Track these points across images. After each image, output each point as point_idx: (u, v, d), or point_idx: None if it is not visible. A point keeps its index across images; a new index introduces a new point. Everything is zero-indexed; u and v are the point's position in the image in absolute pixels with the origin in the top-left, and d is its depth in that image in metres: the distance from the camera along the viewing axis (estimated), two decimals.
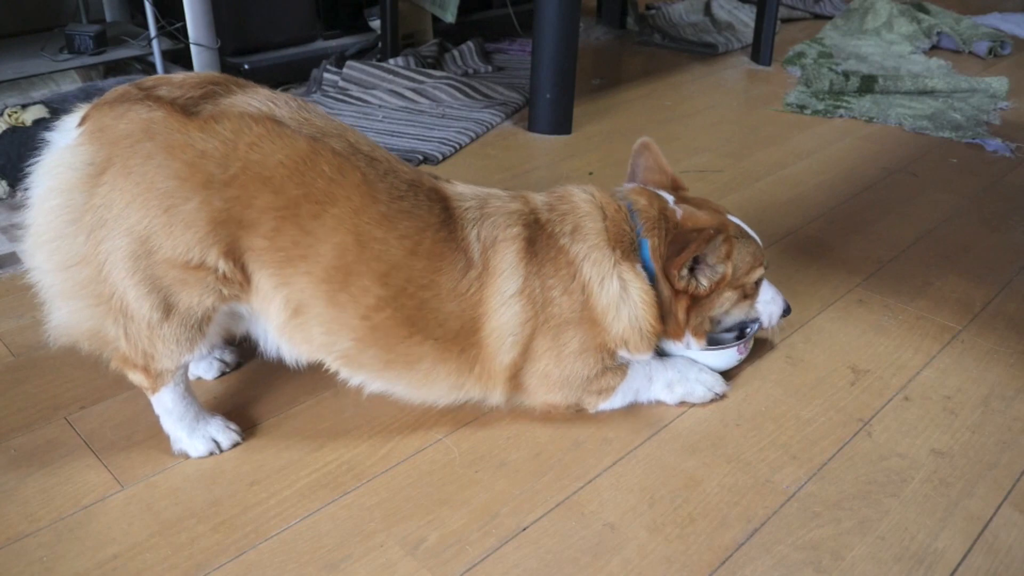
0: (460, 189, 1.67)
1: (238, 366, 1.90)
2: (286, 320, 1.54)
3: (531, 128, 3.31)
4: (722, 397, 1.80)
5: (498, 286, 1.58)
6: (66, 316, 1.50)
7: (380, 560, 1.40)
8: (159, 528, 1.46)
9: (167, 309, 1.48)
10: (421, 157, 3.00)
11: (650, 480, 1.57)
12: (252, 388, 1.81)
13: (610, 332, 1.64)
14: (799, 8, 5.37)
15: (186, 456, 1.61)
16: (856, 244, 2.46)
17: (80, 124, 1.46)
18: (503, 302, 1.58)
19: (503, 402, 1.70)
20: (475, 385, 1.65)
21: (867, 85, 3.83)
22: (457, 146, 3.13)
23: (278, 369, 1.85)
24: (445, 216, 1.59)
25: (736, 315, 1.81)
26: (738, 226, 1.77)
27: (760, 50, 4.25)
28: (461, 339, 1.59)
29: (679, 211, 1.72)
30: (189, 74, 1.53)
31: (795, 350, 1.96)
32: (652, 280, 1.67)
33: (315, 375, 1.84)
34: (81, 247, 1.43)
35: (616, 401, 1.74)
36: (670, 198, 1.76)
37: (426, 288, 1.55)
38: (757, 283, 1.79)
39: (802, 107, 3.64)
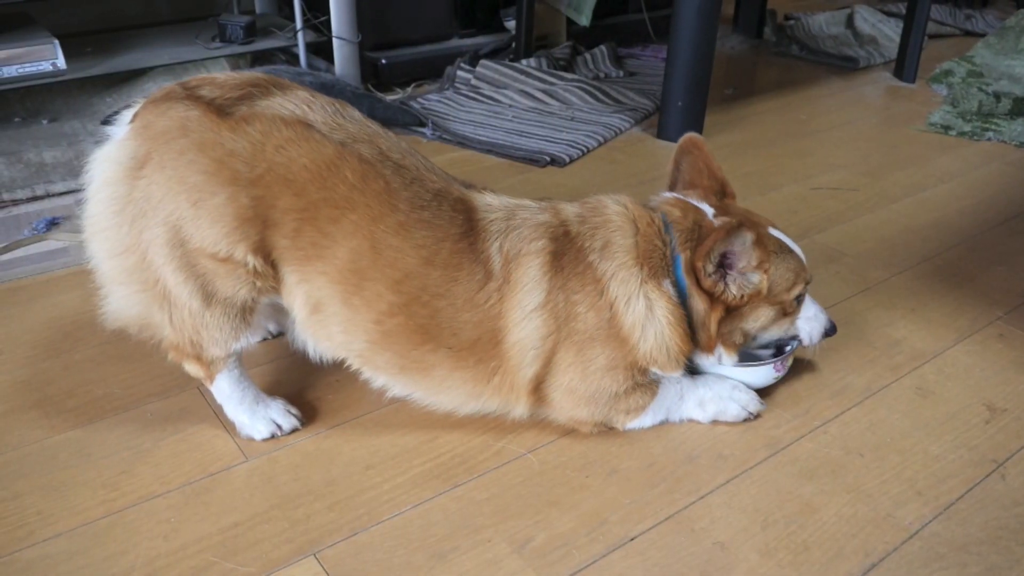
0: (489, 200, 1.65)
1: (279, 334, 1.97)
2: (307, 315, 1.58)
3: (660, 135, 3.27)
4: (756, 417, 1.74)
5: (519, 299, 1.57)
6: (118, 301, 1.59)
7: (487, 555, 1.41)
8: (278, 501, 1.52)
9: (207, 297, 1.53)
10: (548, 158, 3.01)
11: (764, 502, 1.53)
12: None
13: (638, 351, 1.61)
14: (948, 24, 5.13)
15: (252, 440, 1.66)
16: (999, 275, 2.33)
17: (131, 120, 1.54)
18: (524, 315, 1.57)
19: (526, 414, 1.68)
20: (494, 395, 1.64)
21: (1020, 108, 3.62)
22: (585, 149, 3.13)
23: None
24: (468, 227, 1.58)
25: (775, 332, 1.74)
26: (778, 240, 1.68)
27: (904, 66, 4.07)
28: (478, 350, 1.59)
29: (717, 223, 1.64)
30: (232, 74, 1.59)
31: (926, 381, 1.87)
32: (684, 297, 1.62)
33: None
34: (126, 236, 1.51)
35: (646, 420, 1.70)
36: (709, 210, 1.68)
37: (441, 297, 1.55)
38: (798, 299, 1.72)
39: (947, 128, 3.47)
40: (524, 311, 1.57)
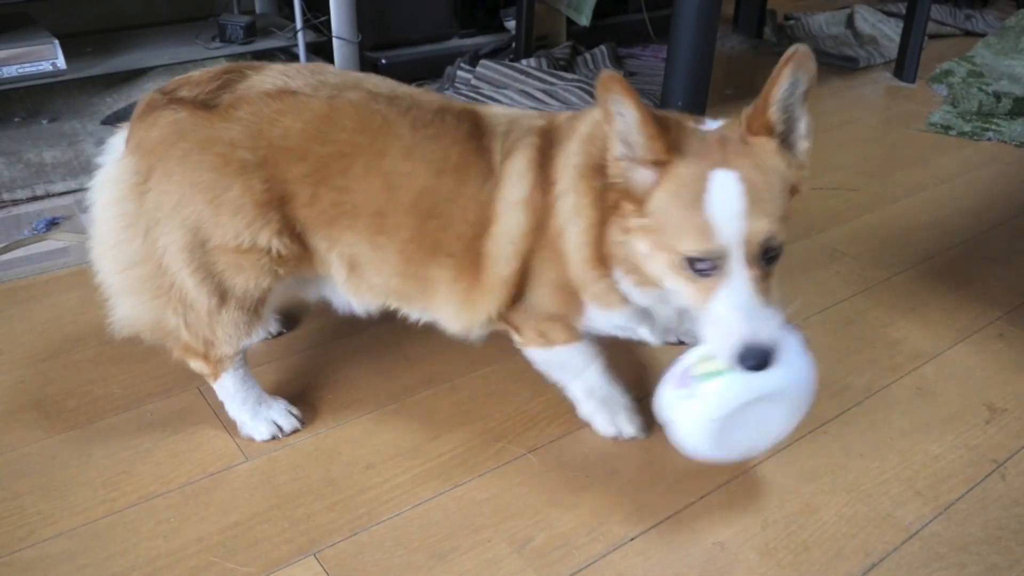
0: (496, 109, 1.62)
1: (279, 334, 1.98)
2: (346, 276, 1.58)
3: None
4: (628, 438, 1.67)
5: (504, 192, 1.52)
6: (129, 310, 1.58)
7: (487, 555, 1.41)
8: (278, 501, 1.52)
9: (224, 296, 1.54)
10: None
11: (764, 502, 1.53)
12: (373, 375, 1.86)
13: (567, 261, 1.49)
14: (949, 24, 5.12)
15: (252, 440, 1.66)
16: (999, 275, 2.33)
17: (127, 140, 1.54)
18: (507, 207, 1.51)
19: (488, 324, 1.61)
20: (480, 298, 1.57)
21: (1020, 108, 3.62)
22: None
23: (398, 358, 1.90)
24: (474, 130, 1.55)
25: (672, 291, 1.36)
26: (701, 175, 1.28)
27: (904, 66, 4.07)
28: (472, 250, 1.54)
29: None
30: (206, 70, 1.58)
31: (926, 381, 1.87)
32: None
33: (433, 366, 1.88)
34: (140, 248, 1.51)
35: (541, 356, 1.64)
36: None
37: (452, 201, 1.51)
38: (696, 269, 1.29)
39: (947, 128, 3.47)
40: (507, 203, 1.52)
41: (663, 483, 1.57)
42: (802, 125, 1.38)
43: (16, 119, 3.17)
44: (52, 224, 2.43)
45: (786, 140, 1.36)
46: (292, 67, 1.58)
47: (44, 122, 3.15)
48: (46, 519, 1.47)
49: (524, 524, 1.48)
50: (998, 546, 1.45)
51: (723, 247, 1.26)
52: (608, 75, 1.28)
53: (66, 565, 1.38)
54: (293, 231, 1.53)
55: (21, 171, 2.73)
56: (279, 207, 1.50)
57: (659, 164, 1.31)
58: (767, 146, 1.33)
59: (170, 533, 1.45)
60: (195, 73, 1.58)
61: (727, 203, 1.26)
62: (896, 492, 1.56)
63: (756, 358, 1.24)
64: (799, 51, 1.26)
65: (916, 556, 1.43)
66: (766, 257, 1.28)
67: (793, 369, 1.30)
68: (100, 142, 2.94)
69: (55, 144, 2.94)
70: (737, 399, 1.30)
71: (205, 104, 1.49)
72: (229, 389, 1.66)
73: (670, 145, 1.30)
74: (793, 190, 1.38)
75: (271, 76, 1.54)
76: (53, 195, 2.61)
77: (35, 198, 2.59)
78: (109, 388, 1.80)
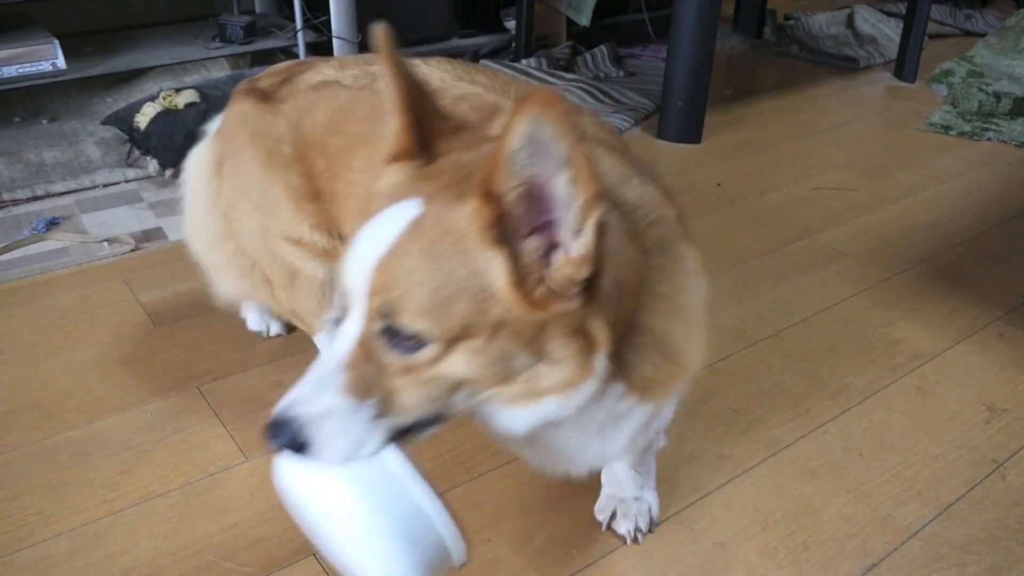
0: None
1: (279, 335, 1.98)
2: None
3: (660, 135, 3.27)
4: None
5: None
6: (225, 287, 1.68)
7: (488, 555, 1.41)
8: (278, 501, 1.49)
9: (293, 276, 1.58)
10: None
11: (764, 502, 1.53)
12: None
13: None
14: (949, 24, 5.12)
15: None
16: (999, 275, 2.33)
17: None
18: None
19: None
20: None
21: (1020, 108, 3.62)
22: None
23: None
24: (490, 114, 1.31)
25: None
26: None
27: (904, 66, 4.07)
28: None
29: None
30: (285, 63, 1.60)
31: (926, 381, 1.87)
32: None
33: None
34: (221, 226, 1.59)
35: None
36: None
37: None
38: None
39: (947, 128, 3.47)
40: None
41: (662, 483, 1.57)
42: (570, 215, 0.83)
43: (16, 119, 3.17)
44: (52, 224, 2.43)
45: (523, 231, 0.87)
46: (350, 58, 1.58)
47: (44, 122, 3.15)
48: (46, 519, 1.47)
49: (524, 524, 1.48)
50: (998, 546, 1.45)
51: (346, 287, 0.94)
52: (378, 28, 1.01)
53: (66, 565, 1.38)
54: (329, 227, 1.53)
55: (21, 171, 2.73)
56: (313, 200, 1.50)
57: (391, 159, 1.01)
58: (474, 216, 0.86)
59: (170, 533, 1.44)
60: (279, 64, 1.61)
61: (375, 241, 0.91)
62: (896, 492, 1.56)
63: (276, 435, 0.91)
64: (540, 94, 0.77)
65: (916, 556, 1.43)
66: (392, 338, 0.90)
67: (334, 500, 0.92)
68: (100, 142, 2.95)
69: (55, 144, 2.94)
70: (283, 476, 0.98)
71: (267, 96, 1.52)
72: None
73: (417, 145, 1.00)
74: (503, 303, 0.88)
75: (326, 67, 1.53)
76: (53, 195, 2.61)
77: (35, 198, 2.59)
78: (109, 388, 1.80)
